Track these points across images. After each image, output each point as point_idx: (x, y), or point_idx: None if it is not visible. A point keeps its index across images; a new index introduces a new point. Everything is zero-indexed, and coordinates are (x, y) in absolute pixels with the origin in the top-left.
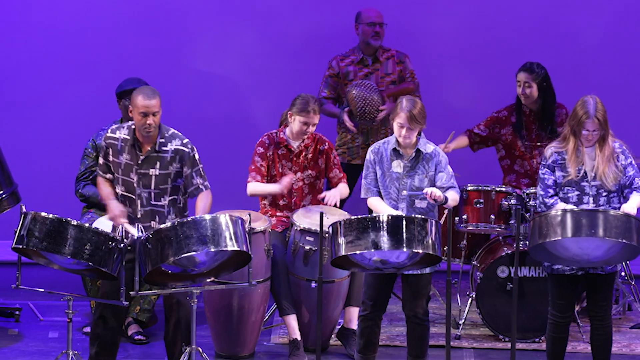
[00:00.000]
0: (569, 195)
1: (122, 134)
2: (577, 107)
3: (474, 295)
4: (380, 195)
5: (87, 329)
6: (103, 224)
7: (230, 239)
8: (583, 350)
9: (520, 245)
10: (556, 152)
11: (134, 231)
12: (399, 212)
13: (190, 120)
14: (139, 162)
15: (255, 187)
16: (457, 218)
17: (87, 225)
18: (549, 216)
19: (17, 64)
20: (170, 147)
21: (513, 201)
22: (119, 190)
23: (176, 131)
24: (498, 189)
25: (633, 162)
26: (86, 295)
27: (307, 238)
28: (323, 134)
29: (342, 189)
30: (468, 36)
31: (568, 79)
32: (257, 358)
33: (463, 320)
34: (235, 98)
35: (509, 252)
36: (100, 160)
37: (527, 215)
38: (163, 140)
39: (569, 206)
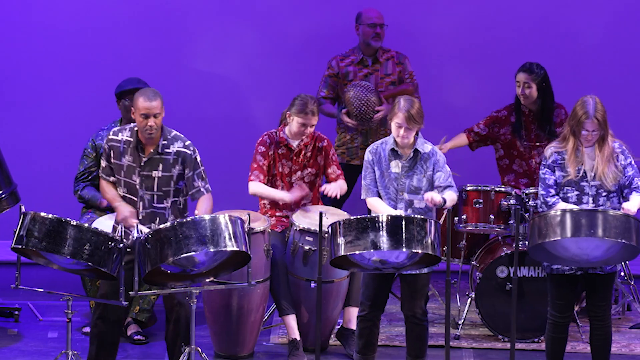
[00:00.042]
0: (569, 195)
1: (125, 136)
2: (576, 107)
3: (473, 295)
4: (379, 195)
5: (87, 329)
6: (102, 224)
7: (230, 239)
8: (582, 350)
9: (520, 245)
10: (556, 152)
11: (146, 230)
12: (399, 212)
13: (190, 120)
14: (142, 164)
15: (259, 187)
16: (456, 218)
17: (86, 225)
18: (549, 216)
19: (17, 64)
20: (173, 149)
21: (512, 201)
22: (120, 192)
23: (178, 133)
24: (497, 189)
25: (633, 162)
26: (85, 295)
27: (307, 238)
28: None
29: (341, 185)
30: (468, 36)
31: (568, 79)
32: (256, 358)
33: (462, 320)
34: (235, 98)
35: (508, 252)
36: (103, 164)
37: (526, 215)
38: (166, 142)
39: (570, 206)
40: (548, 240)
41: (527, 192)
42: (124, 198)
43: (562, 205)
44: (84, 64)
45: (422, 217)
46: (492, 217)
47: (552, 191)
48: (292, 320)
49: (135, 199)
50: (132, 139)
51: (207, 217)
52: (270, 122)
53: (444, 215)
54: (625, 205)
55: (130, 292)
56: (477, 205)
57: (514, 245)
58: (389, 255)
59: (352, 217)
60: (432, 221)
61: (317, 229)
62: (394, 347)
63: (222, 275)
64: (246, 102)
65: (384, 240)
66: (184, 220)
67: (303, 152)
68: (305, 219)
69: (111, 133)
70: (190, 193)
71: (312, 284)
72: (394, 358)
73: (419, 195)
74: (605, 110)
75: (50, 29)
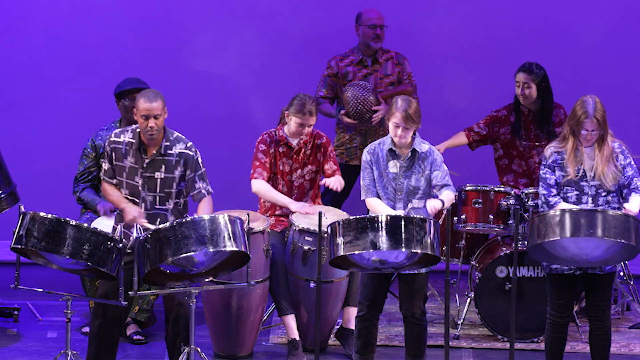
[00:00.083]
0: (568, 195)
1: (127, 137)
2: (576, 107)
3: (472, 295)
4: (379, 196)
5: (86, 329)
6: (102, 224)
7: (229, 239)
8: (582, 350)
9: (519, 245)
10: (556, 152)
11: (153, 227)
12: (398, 212)
13: (190, 120)
14: (144, 165)
15: (263, 187)
16: (455, 218)
17: (85, 225)
18: (548, 216)
19: (17, 64)
20: (175, 150)
21: (512, 201)
22: (122, 194)
23: (180, 134)
24: (497, 189)
25: (632, 162)
26: (85, 295)
27: (306, 238)
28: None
29: (339, 179)
30: (468, 36)
31: (568, 79)
32: (255, 358)
33: (462, 320)
34: (235, 98)
35: (508, 252)
36: (106, 166)
37: (525, 215)
38: (168, 143)
39: (571, 206)
40: (547, 240)
41: (526, 192)
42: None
43: (563, 205)
44: (84, 63)
45: (422, 217)
46: (491, 217)
47: (554, 191)
48: (291, 320)
49: (138, 200)
50: (134, 141)
51: (206, 217)
52: (270, 122)
53: (443, 215)
54: (626, 206)
55: (130, 292)
56: (476, 205)
57: (513, 245)
58: (388, 255)
59: (351, 217)
60: (432, 221)
61: (317, 229)
62: (393, 347)
63: (221, 275)
64: (246, 102)
65: (383, 240)
66: (184, 220)
67: (303, 150)
68: (304, 219)
69: (113, 135)
70: (191, 194)
71: (312, 284)
72: (393, 358)
73: (417, 195)
74: (604, 110)
75: (50, 29)
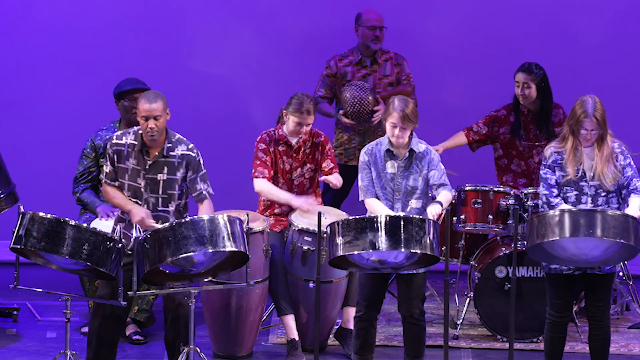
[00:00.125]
0: (568, 195)
1: (129, 139)
2: (575, 107)
3: (472, 295)
4: (378, 196)
5: (85, 329)
6: (101, 224)
7: (228, 239)
8: (581, 350)
9: (518, 245)
10: (556, 152)
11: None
12: (397, 213)
13: (189, 120)
14: (147, 167)
15: (266, 186)
16: (455, 218)
17: (85, 225)
18: (547, 216)
19: (17, 64)
20: (177, 152)
21: (511, 201)
22: (125, 195)
23: (181, 136)
24: (496, 189)
25: (632, 162)
26: (84, 295)
27: (305, 238)
28: None
29: (338, 177)
30: (468, 36)
31: (568, 79)
32: (255, 358)
33: (461, 320)
34: (234, 98)
35: (507, 252)
36: (107, 168)
37: (525, 215)
38: (170, 145)
39: (570, 207)
40: (547, 240)
41: (525, 192)
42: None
43: (564, 206)
44: (84, 63)
45: (421, 217)
46: (490, 217)
47: (555, 191)
48: (290, 320)
49: (140, 202)
50: (136, 142)
51: (205, 217)
52: (269, 121)
53: (442, 215)
54: (628, 212)
55: (129, 292)
56: (475, 205)
57: (512, 245)
58: (387, 255)
59: (350, 217)
60: (431, 221)
61: (316, 229)
62: (392, 347)
63: (220, 275)
64: (245, 102)
65: (382, 240)
66: (183, 220)
67: (302, 149)
68: (304, 219)
69: (114, 137)
70: (192, 195)
71: (311, 284)
72: (393, 358)
73: (415, 194)
74: (604, 109)
75: (50, 29)
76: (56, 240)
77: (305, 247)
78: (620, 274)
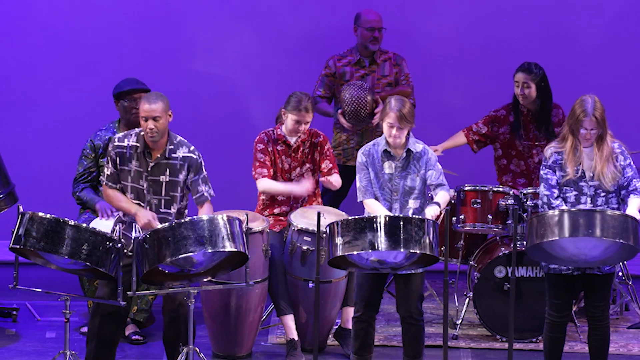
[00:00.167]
0: (567, 195)
1: (131, 141)
2: (575, 106)
3: (471, 295)
4: (376, 197)
5: (85, 329)
6: (100, 224)
7: (228, 239)
8: (580, 350)
9: (518, 245)
10: (556, 152)
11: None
12: (396, 213)
13: (189, 120)
14: (149, 168)
15: (268, 184)
16: (454, 218)
17: (84, 225)
18: (547, 216)
19: (17, 64)
20: (179, 154)
21: (510, 201)
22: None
23: (182, 138)
24: (495, 189)
25: (632, 163)
26: (83, 295)
27: (305, 238)
28: None
29: (337, 178)
30: (467, 36)
31: (568, 79)
32: (254, 358)
33: (460, 321)
34: (234, 98)
35: (507, 252)
36: (109, 171)
37: (524, 215)
38: (172, 147)
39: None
40: (546, 240)
41: (525, 192)
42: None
43: (563, 207)
44: (83, 63)
45: (420, 217)
46: (490, 217)
47: (556, 192)
48: (290, 320)
49: (142, 204)
50: (138, 144)
51: (205, 217)
52: (268, 121)
53: (442, 215)
54: (627, 212)
55: (128, 292)
56: (475, 205)
57: (512, 245)
58: (387, 255)
59: (350, 218)
60: (430, 221)
61: (315, 229)
62: (391, 347)
63: (220, 275)
64: (245, 102)
65: (381, 240)
66: (182, 220)
67: (301, 148)
68: (303, 219)
69: (116, 139)
70: (193, 197)
71: (310, 284)
72: (392, 358)
73: (413, 195)
74: (604, 109)
75: (50, 29)
76: (55, 240)
77: (305, 247)
78: (620, 274)
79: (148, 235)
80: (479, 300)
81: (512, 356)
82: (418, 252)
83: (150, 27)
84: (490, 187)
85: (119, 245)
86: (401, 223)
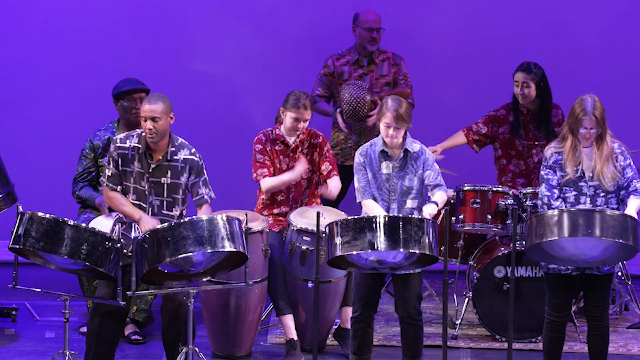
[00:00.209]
0: (567, 195)
1: (133, 142)
2: (575, 105)
3: (470, 295)
4: (375, 197)
5: (84, 329)
6: (100, 224)
7: (227, 239)
8: (580, 350)
9: (517, 245)
10: (556, 153)
11: None
12: (394, 213)
13: (188, 120)
14: (150, 170)
15: (270, 182)
16: (453, 218)
17: (83, 225)
18: (546, 216)
19: (17, 64)
20: (180, 156)
21: (510, 201)
22: (129, 199)
23: (184, 140)
24: (495, 189)
25: (632, 163)
26: (83, 295)
27: (304, 238)
28: None
29: (336, 184)
30: (467, 36)
31: (568, 79)
32: (253, 358)
33: (460, 320)
34: (234, 98)
35: (506, 252)
36: (110, 172)
37: (523, 215)
38: (174, 149)
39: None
40: (545, 240)
41: (524, 192)
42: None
43: (563, 207)
44: (83, 63)
45: (420, 217)
46: (489, 217)
47: (557, 192)
48: (289, 320)
49: (144, 205)
50: (140, 145)
51: (204, 217)
52: (267, 121)
53: (441, 215)
54: (627, 212)
55: (128, 292)
56: (474, 205)
57: (511, 245)
58: (386, 255)
59: (349, 217)
60: (430, 221)
61: (315, 229)
62: (391, 347)
63: (219, 274)
64: (245, 102)
65: (381, 240)
66: (182, 220)
67: (300, 148)
68: (302, 219)
69: (118, 140)
70: (193, 199)
71: (310, 284)
72: (392, 358)
73: (410, 195)
74: (603, 108)
75: (49, 29)
76: (55, 240)
77: (304, 247)
78: (619, 274)
79: (147, 235)
80: (479, 300)
81: (512, 356)
82: (417, 252)
83: (150, 27)
84: (490, 187)
85: (119, 245)
86: (400, 223)
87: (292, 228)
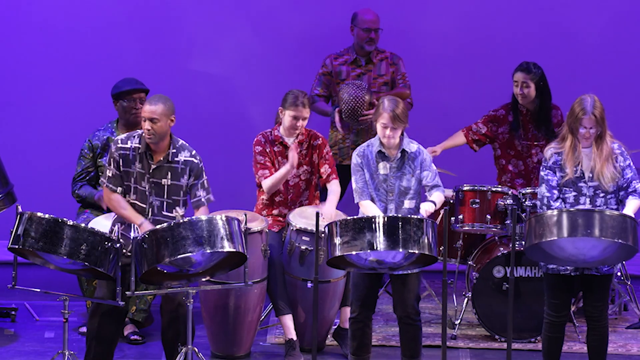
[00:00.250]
0: (567, 195)
1: (134, 143)
2: (574, 105)
3: (470, 295)
4: (372, 198)
5: (83, 329)
6: (99, 224)
7: (226, 239)
8: (579, 350)
9: (517, 245)
10: (556, 153)
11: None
12: (391, 214)
13: (188, 120)
14: (150, 170)
15: (268, 182)
16: (453, 218)
17: (83, 225)
18: (545, 216)
19: (16, 64)
20: (181, 157)
21: (509, 201)
22: (129, 199)
23: (184, 142)
24: (494, 189)
25: (632, 164)
26: (82, 295)
27: (303, 238)
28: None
29: (335, 191)
30: (467, 36)
31: (567, 79)
32: (253, 358)
33: (459, 321)
34: (233, 98)
35: (505, 252)
36: (111, 172)
37: (523, 215)
38: (175, 150)
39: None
40: (545, 240)
41: (523, 192)
42: (133, 205)
43: (562, 208)
44: (82, 64)
45: (419, 217)
46: (488, 217)
47: (556, 193)
48: (288, 320)
49: (144, 205)
50: (140, 146)
51: (203, 217)
52: (266, 122)
53: (440, 215)
54: (625, 212)
55: (127, 292)
56: (473, 205)
57: (510, 245)
58: (385, 255)
59: (348, 218)
60: (429, 221)
61: (314, 229)
62: (390, 347)
63: (218, 274)
64: (245, 102)
65: (380, 240)
66: (181, 220)
67: (299, 149)
68: (301, 219)
69: (119, 141)
70: (191, 201)
71: (309, 284)
72: (391, 358)
73: (408, 195)
74: (603, 108)
75: (48, 29)
76: (54, 240)
77: (303, 247)
78: (619, 274)
79: (147, 235)
80: (478, 300)
81: (511, 356)
82: (416, 252)
83: (149, 27)
84: (489, 187)
85: (118, 245)
86: (400, 223)
87: (292, 228)
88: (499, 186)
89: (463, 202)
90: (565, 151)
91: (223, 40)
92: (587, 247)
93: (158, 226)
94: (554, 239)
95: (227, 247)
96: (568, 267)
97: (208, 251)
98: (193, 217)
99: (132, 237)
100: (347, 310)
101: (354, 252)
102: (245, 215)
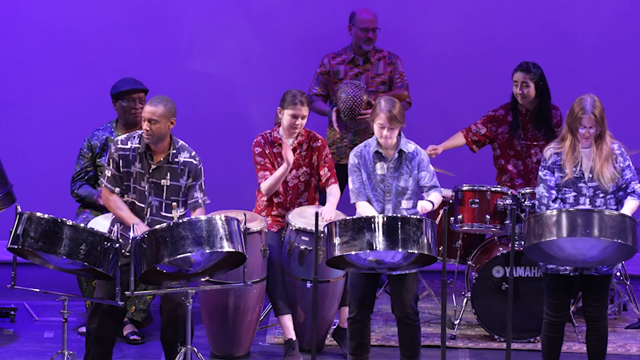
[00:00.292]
0: (567, 195)
1: (134, 143)
2: (574, 104)
3: (469, 296)
4: (369, 199)
5: (83, 329)
6: (98, 224)
7: (226, 239)
8: (578, 350)
9: (516, 245)
10: (555, 154)
11: None
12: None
13: (186, 121)
14: (150, 170)
15: (266, 183)
16: (452, 218)
17: (82, 225)
18: (545, 216)
19: (16, 63)
20: (180, 158)
21: (508, 201)
22: (128, 198)
23: (184, 143)
24: (493, 189)
25: (631, 164)
26: (81, 295)
27: (303, 238)
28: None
29: (335, 194)
30: (466, 36)
31: (567, 79)
32: (252, 358)
33: (458, 321)
34: (233, 98)
35: (504, 252)
36: (110, 173)
37: (522, 215)
38: (175, 151)
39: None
40: (544, 240)
41: (523, 192)
42: (132, 205)
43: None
44: (82, 64)
45: (418, 217)
46: (488, 217)
47: (555, 193)
48: (288, 320)
49: (143, 205)
50: (140, 146)
51: (203, 217)
52: (266, 122)
53: (440, 215)
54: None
55: (126, 292)
56: (473, 205)
57: (509, 245)
58: (385, 255)
59: (348, 218)
60: (429, 221)
61: (313, 229)
62: (389, 347)
63: (218, 274)
64: (244, 102)
65: (379, 240)
66: (180, 221)
67: (298, 150)
68: (301, 219)
69: (119, 142)
70: (188, 202)
71: (308, 284)
72: (390, 358)
73: (406, 195)
74: (603, 107)
75: (48, 29)
76: (53, 240)
77: (303, 247)
78: (618, 274)
79: (146, 235)
80: (477, 300)
81: (510, 356)
82: (416, 252)
83: (149, 27)
84: (488, 187)
85: (117, 245)
86: (399, 223)
87: (291, 228)
88: (499, 186)
89: (462, 202)
90: (564, 151)
91: (223, 40)
92: (586, 247)
93: (157, 226)
94: (553, 239)
95: (227, 247)
96: (567, 267)
97: (207, 251)
98: (192, 217)
99: (131, 237)
100: (347, 310)
101: (353, 252)
102: (245, 215)
